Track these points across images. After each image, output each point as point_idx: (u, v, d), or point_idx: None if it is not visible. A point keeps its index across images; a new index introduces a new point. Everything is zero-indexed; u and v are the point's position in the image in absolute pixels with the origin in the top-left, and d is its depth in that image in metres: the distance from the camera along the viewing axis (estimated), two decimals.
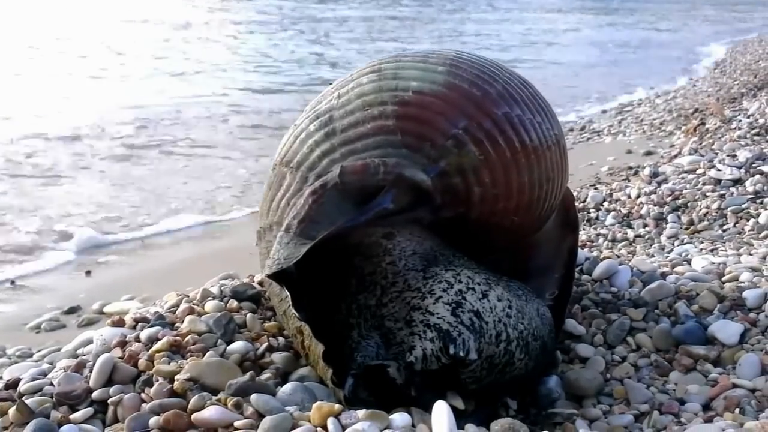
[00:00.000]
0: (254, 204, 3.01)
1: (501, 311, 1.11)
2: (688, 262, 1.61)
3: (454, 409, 1.02)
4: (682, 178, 2.47)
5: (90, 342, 1.29)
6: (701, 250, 1.82)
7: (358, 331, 1.12)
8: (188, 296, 1.38)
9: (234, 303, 1.31)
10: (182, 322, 1.24)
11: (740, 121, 3.22)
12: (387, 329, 1.11)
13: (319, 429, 0.93)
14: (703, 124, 3.51)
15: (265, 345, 1.20)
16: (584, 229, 2.27)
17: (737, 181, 2.32)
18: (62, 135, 4.38)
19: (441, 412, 0.94)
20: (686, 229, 2.13)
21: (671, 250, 1.88)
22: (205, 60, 7.62)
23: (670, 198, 2.31)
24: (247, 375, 1.06)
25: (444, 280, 1.12)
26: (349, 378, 1.06)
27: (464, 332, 1.07)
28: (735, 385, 1.14)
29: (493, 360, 1.10)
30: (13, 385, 1.14)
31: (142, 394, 1.08)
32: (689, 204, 2.25)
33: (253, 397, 1.00)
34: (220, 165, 3.98)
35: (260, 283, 1.39)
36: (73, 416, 1.06)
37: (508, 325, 1.11)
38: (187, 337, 1.18)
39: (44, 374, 1.18)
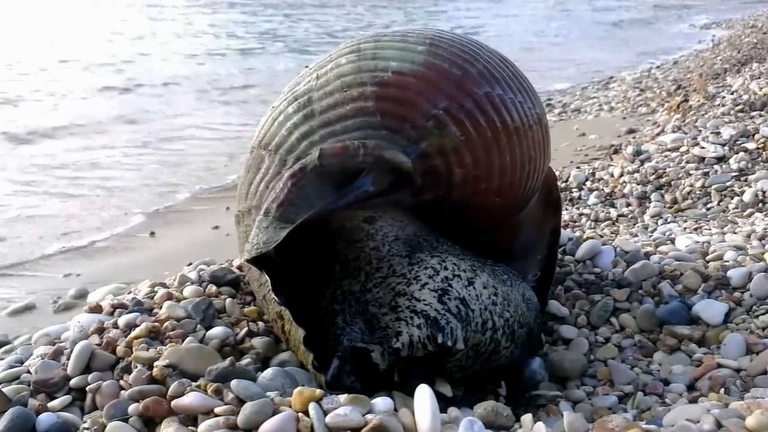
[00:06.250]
0: None
1: (487, 299, 1.10)
2: (672, 241, 1.61)
3: (442, 396, 1.02)
4: (666, 156, 2.47)
5: None
6: (685, 229, 1.81)
7: (343, 317, 1.12)
8: (163, 284, 1.36)
9: (213, 288, 1.30)
10: (160, 308, 1.23)
11: (724, 97, 3.21)
12: (371, 315, 1.10)
13: (300, 414, 0.92)
14: (687, 100, 3.51)
15: (244, 330, 1.19)
16: (567, 209, 2.26)
17: (721, 159, 2.32)
18: None
19: (424, 396, 0.93)
20: (670, 207, 2.13)
21: (655, 230, 1.88)
22: None
23: (654, 176, 2.31)
24: (227, 360, 1.05)
25: (430, 266, 1.11)
26: (335, 360, 1.06)
27: (452, 321, 1.06)
28: (720, 365, 1.14)
29: (479, 349, 1.09)
30: None
31: (121, 381, 1.07)
32: (673, 182, 2.25)
33: (234, 382, 0.99)
34: None
35: (239, 268, 1.38)
36: (51, 404, 1.05)
37: (494, 313, 1.10)
38: (166, 323, 1.17)
39: (21, 362, 1.17)
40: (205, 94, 5.81)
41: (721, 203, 2.07)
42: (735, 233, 1.63)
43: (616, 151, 2.83)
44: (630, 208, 2.20)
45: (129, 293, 1.40)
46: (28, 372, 1.12)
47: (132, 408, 1.00)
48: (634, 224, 2.04)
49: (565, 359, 1.21)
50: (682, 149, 2.48)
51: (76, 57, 7.03)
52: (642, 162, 2.48)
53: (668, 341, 1.23)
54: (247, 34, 9.24)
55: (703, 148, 2.40)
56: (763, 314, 1.24)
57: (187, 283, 1.33)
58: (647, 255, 1.47)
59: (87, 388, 1.07)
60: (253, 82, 6.36)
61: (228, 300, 1.27)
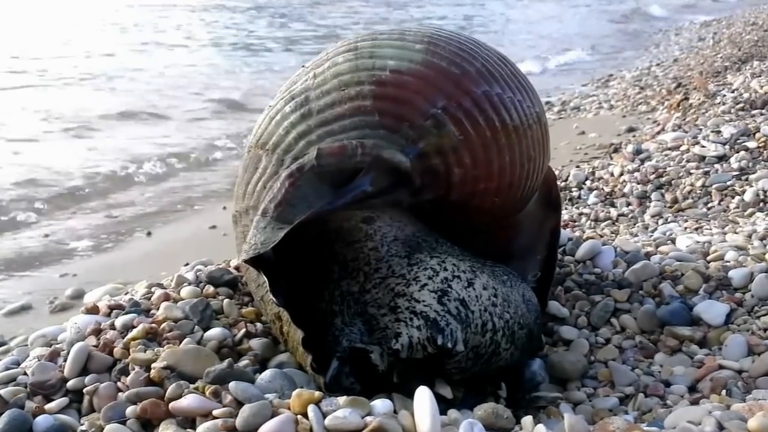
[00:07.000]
0: None
1: (486, 300, 1.10)
2: (673, 241, 1.60)
3: (442, 398, 1.01)
4: (666, 155, 2.46)
5: None
6: (685, 228, 1.81)
7: (341, 318, 1.11)
8: (160, 285, 1.36)
9: (210, 289, 1.30)
10: (158, 309, 1.22)
11: (724, 95, 3.19)
12: (370, 315, 1.09)
13: (299, 416, 0.92)
14: (687, 99, 3.50)
15: (242, 331, 1.18)
16: (566, 209, 2.25)
17: (722, 158, 2.30)
18: None
19: (423, 398, 0.93)
20: (670, 207, 2.12)
21: (655, 229, 1.87)
22: None
23: (654, 176, 2.30)
24: (225, 362, 1.04)
25: (429, 267, 1.11)
26: (334, 361, 1.06)
27: (452, 322, 1.06)
28: (721, 367, 1.14)
29: (479, 350, 1.08)
30: None
31: (118, 383, 1.06)
32: (673, 182, 2.24)
33: (232, 384, 0.99)
34: None
35: (237, 268, 1.37)
36: (48, 406, 1.05)
37: (493, 315, 1.10)
38: (163, 324, 1.17)
39: (17, 363, 1.17)
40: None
41: (721, 203, 2.06)
42: (736, 233, 1.63)
43: (616, 150, 2.82)
44: (630, 207, 2.19)
45: (126, 294, 1.39)
46: (25, 374, 1.12)
47: (129, 410, 0.99)
48: (635, 224, 2.04)
49: (566, 360, 1.20)
50: (683, 148, 2.47)
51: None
52: (642, 161, 2.47)
53: (669, 342, 1.23)
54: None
55: (703, 146, 2.39)
56: (765, 315, 1.23)
57: (185, 284, 1.32)
58: (648, 255, 1.47)
59: (84, 390, 1.06)
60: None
61: (226, 301, 1.26)
